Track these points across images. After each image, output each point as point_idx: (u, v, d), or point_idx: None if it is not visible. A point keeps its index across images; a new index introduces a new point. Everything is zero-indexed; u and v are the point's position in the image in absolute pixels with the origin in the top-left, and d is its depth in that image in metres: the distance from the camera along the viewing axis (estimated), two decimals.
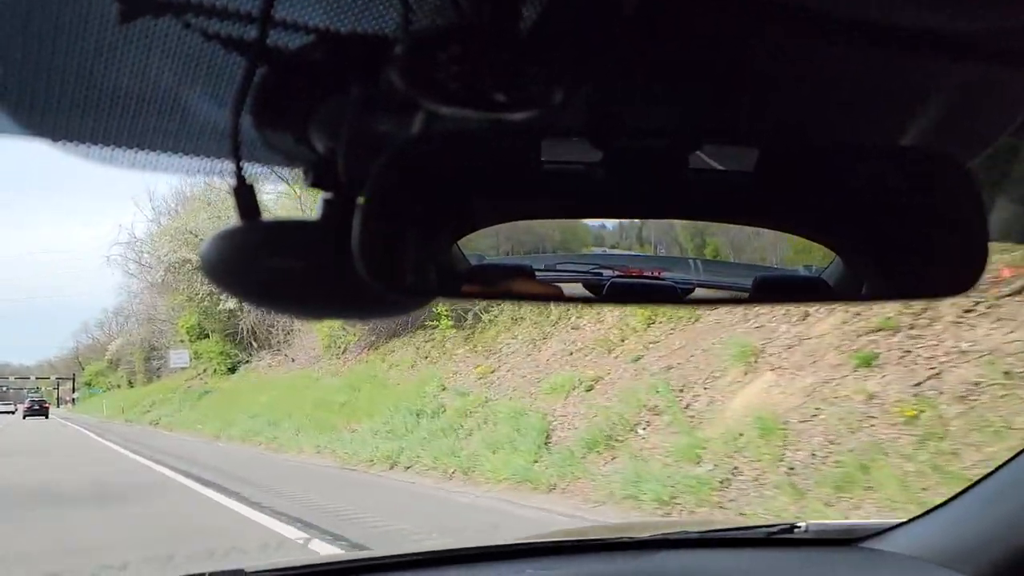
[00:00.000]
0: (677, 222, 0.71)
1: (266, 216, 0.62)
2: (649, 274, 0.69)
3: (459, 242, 0.65)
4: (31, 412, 52.77)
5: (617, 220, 0.70)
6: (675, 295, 0.70)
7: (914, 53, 0.64)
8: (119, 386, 61.25)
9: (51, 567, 5.71)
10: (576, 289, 0.69)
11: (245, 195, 0.62)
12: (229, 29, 0.59)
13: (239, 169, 0.62)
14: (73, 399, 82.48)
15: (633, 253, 0.69)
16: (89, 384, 76.27)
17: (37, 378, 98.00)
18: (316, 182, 0.63)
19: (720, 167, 0.69)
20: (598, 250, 0.69)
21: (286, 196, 18.51)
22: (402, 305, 0.67)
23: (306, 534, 6.66)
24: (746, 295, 0.71)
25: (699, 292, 0.70)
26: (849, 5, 0.61)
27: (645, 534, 1.97)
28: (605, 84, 0.67)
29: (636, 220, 0.70)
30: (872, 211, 0.68)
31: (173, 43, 0.59)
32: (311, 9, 0.59)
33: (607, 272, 0.68)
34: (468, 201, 0.65)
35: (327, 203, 0.62)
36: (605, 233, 0.70)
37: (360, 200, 0.56)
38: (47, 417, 52.56)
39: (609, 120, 0.69)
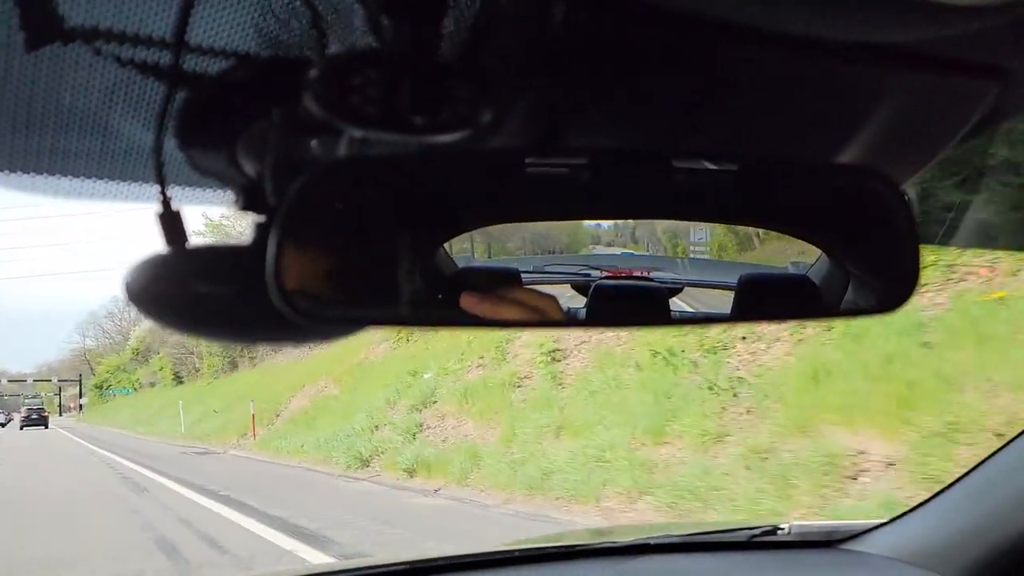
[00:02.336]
0: (664, 222, 0.70)
1: (194, 242, 0.61)
2: (638, 274, 0.68)
3: (444, 245, 0.64)
4: (29, 422, 47.14)
5: (611, 221, 0.70)
6: (665, 314, 0.69)
7: (857, 66, 0.64)
8: (153, 384, 49.94)
9: None
10: (564, 303, 0.67)
11: (171, 220, 0.61)
12: (143, 55, 0.58)
13: (164, 194, 0.61)
14: (80, 405, 69.95)
15: (621, 252, 0.68)
16: (101, 386, 64.26)
17: (35, 381, 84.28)
18: (246, 206, 0.62)
19: (706, 166, 0.68)
20: (601, 250, 0.69)
21: None
22: (337, 329, 0.66)
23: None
24: (727, 315, 0.70)
25: (685, 311, 0.69)
26: (783, 19, 0.60)
27: (627, 539, 1.96)
28: (549, 107, 0.66)
29: (630, 220, 0.70)
30: (821, 228, 0.68)
31: (86, 69, 0.58)
32: (227, 34, 0.57)
33: (595, 273, 0.67)
34: (406, 221, 0.64)
35: (257, 227, 0.61)
36: (601, 232, 0.70)
37: (280, 222, 0.55)
38: (47, 427, 46.40)
39: (552, 141, 0.69)
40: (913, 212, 0.62)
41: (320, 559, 5.92)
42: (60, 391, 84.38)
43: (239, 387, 29.23)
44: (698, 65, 0.64)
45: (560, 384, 10.40)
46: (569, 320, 0.67)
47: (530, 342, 11.52)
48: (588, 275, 0.67)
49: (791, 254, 0.72)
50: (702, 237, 0.71)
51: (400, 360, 16.43)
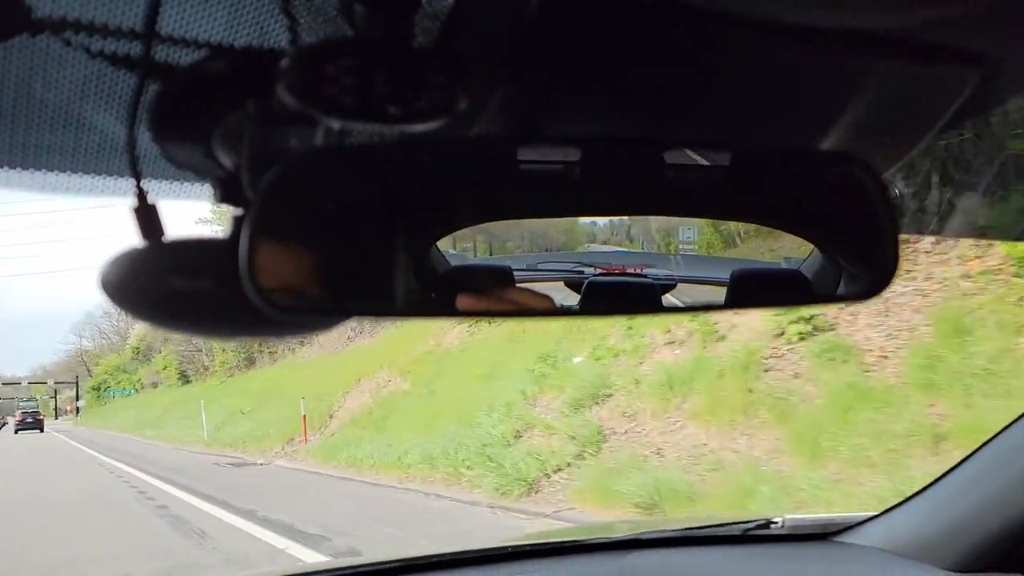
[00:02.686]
0: (657, 221, 0.70)
1: (170, 236, 0.60)
2: (631, 270, 0.68)
3: (436, 244, 0.63)
4: (24, 426, 45.71)
5: (607, 218, 0.70)
6: (656, 301, 0.69)
7: (839, 53, 0.63)
8: (155, 385, 46.37)
9: None
10: (556, 295, 0.67)
11: (147, 214, 0.60)
12: (114, 46, 0.57)
13: (139, 187, 0.60)
14: (77, 408, 66.58)
15: (614, 249, 0.68)
16: (99, 388, 59.81)
17: (30, 383, 79.66)
18: (224, 199, 0.62)
19: (697, 162, 0.69)
20: (599, 248, 0.69)
21: None
22: (314, 324, 0.65)
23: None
24: (720, 302, 0.71)
25: (678, 298, 0.69)
26: (766, 7, 0.60)
27: (622, 534, 1.97)
28: (527, 95, 0.66)
29: (625, 218, 0.70)
30: (803, 215, 0.68)
31: (56, 61, 0.57)
32: (198, 24, 0.57)
33: (588, 270, 0.67)
34: (386, 212, 0.63)
35: (235, 220, 0.60)
36: (596, 230, 0.70)
37: (257, 216, 0.54)
38: (42, 431, 45.22)
39: (537, 130, 0.69)
40: (892, 198, 0.61)
41: None
42: (56, 394, 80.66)
43: (262, 385, 25.39)
44: (680, 52, 0.64)
45: (864, 365, 6.59)
46: (561, 309, 0.67)
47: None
48: (581, 272, 0.67)
49: (773, 251, 0.72)
50: (691, 236, 0.71)
51: (491, 347, 13.28)
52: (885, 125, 0.72)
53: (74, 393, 72.28)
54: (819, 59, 0.65)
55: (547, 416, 9.34)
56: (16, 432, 45.11)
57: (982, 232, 1.14)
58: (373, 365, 17.39)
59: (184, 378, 41.07)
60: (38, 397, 74.37)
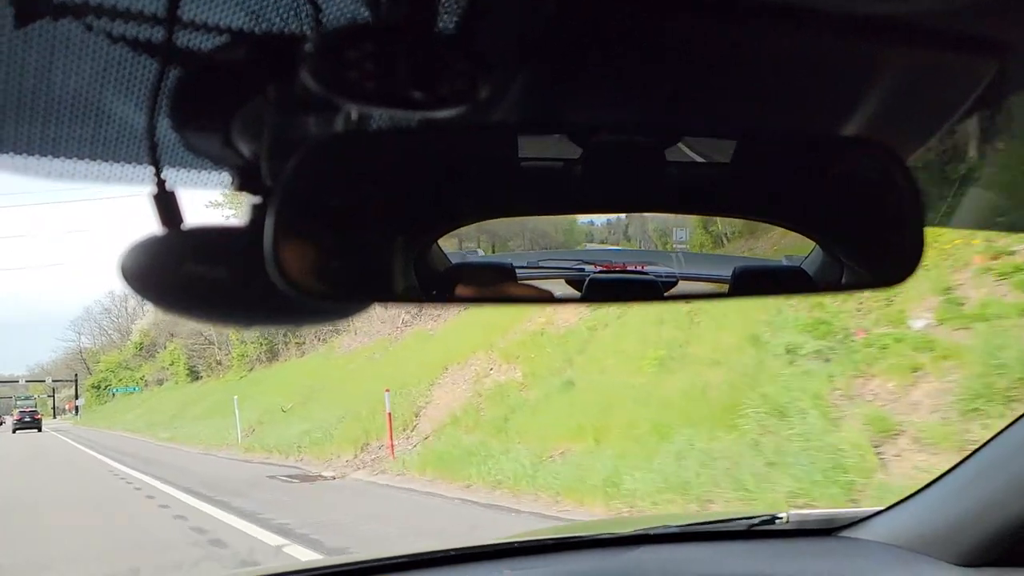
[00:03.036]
0: (654, 221, 0.70)
1: (189, 223, 0.60)
2: (632, 268, 0.68)
3: (436, 240, 0.64)
4: (22, 425, 44.31)
5: (604, 216, 0.70)
6: (657, 290, 0.69)
7: (860, 39, 0.63)
8: (161, 382, 43.64)
9: None
10: (556, 288, 0.68)
11: (166, 202, 0.60)
12: (135, 31, 0.57)
13: (159, 175, 0.60)
14: (76, 407, 63.90)
15: (616, 248, 0.69)
16: (100, 386, 57.74)
17: (28, 381, 75.55)
18: (242, 186, 0.61)
19: (698, 159, 0.69)
20: (595, 247, 0.69)
21: None
22: (335, 311, 0.65)
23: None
24: (725, 289, 0.70)
25: (680, 287, 0.69)
26: None
27: (626, 530, 1.96)
28: (547, 82, 0.66)
29: (622, 216, 0.70)
30: (823, 203, 0.68)
31: (77, 46, 0.57)
32: (220, 9, 0.57)
33: (589, 268, 0.67)
34: (409, 201, 0.63)
35: (253, 208, 0.60)
36: (594, 229, 0.70)
37: (278, 205, 0.54)
38: (40, 430, 43.76)
39: (555, 117, 0.68)
40: (918, 184, 0.61)
41: None
42: (54, 392, 77.94)
43: (295, 379, 21.44)
44: (698, 40, 0.64)
45: None
46: (567, 296, 0.68)
47: None
48: (582, 270, 0.67)
49: (753, 251, 0.72)
50: (683, 236, 0.71)
51: (640, 327, 9.94)
52: (904, 113, 0.72)
53: (72, 391, 69.97)
54: (837, 47, 0.65)
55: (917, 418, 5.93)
56: (14, 431, 44.01)
57: (1007, 225, 1.13)
58: (459, 350, 13.78)
59: (193, 374, 38.19)
60: (36, 396, 72.08)
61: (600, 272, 0.67)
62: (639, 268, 0.68)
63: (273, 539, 6.71)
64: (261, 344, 30.39)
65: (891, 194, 0.63)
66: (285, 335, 27.64)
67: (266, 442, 16.05)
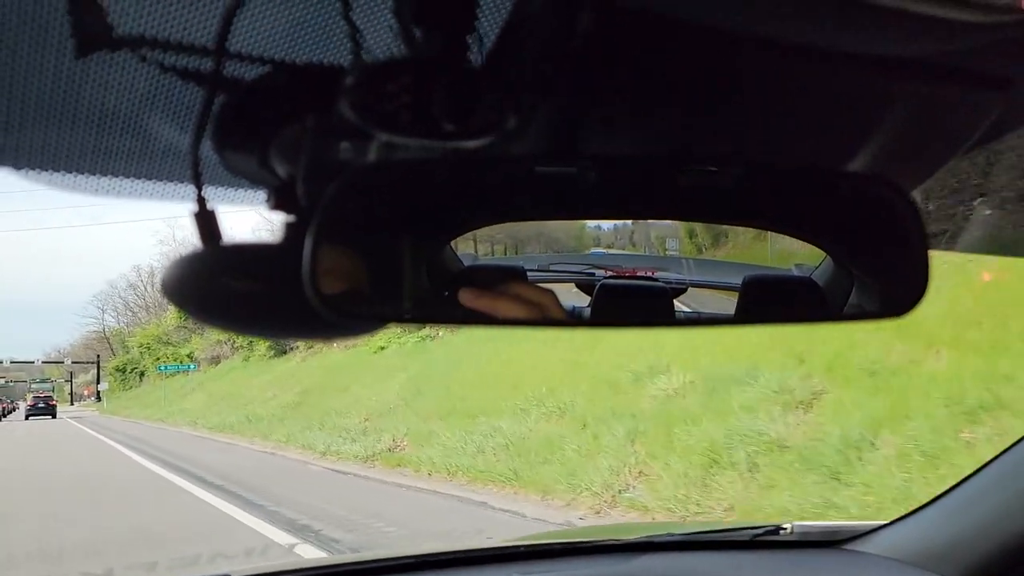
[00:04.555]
0: (656, 228, 0.72)
1: (227, 240, 0.63)
2: (643, 274, 0.69)
3: (451, 243, 0.66)
4: (35, 411, 40.42)
5: (612, 222, 0.71)
6: (669, 315, 0.70)
7: (867, 76, 0.66)
8: (217, 360, 35.63)
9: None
10: (568, 301, 0.68)
11: (206, 219, 0.63)
12: (185, 61, 0.60)
13: (200, 194, 0.63)
14: (98, 392, 55.14)
15: (626, 253, 0.69)
16: (126, 368, 49.63)
17: (44, 363, 68.08)
18: (278, 206, 0.65)
19: (710, 168, 0.69)
20: (599, 251, 0.69)
21: None
22: (364, 326, 0.68)
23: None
24: (733, 316, 0.71)
25: (691, 311, 0.70)
26: (800, 30, 0.62)
27: (631, 537, 1.98)
28: (568, 113, 0.68)
29: (629, 223, 0.71)
30: (829, 235, 0.70)
31: (131, 75, 0.60)
32: (266, 42, 0.60)
33: (599, 272, 0.68)
34: (433, 225, 0.66)
35: (288, 226, 0.63)
36: (601, 234, 0.71)
37: (316, 224, 0.57)
38: (54, 416, 39.76)
39: (574, 148, 0.71)
40: (923, 219, 0.63)
41: None
42: (72, 376, 71.34)
43: (461, 361, 14.62)
44: (712, 74, 0.66)
45: None
46: (576, 320, 0.69)
47: None
48: (592, 274, 0.68)
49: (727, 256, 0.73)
50: (674, 246, 0.72)
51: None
52: (911, 146, 0.74)
53: (92, 376, 62.94)
54: (847, 82, 0.67)
55: None
56: (27, 418, 40.21)
57: (1007, 247, 1.15)
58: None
59: (277, 348, 28.92)
60: (53, 379, 66.23)
61: (611, 277, 0.68)
62: (649, 274, 0.69)
63: None
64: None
65: (895, 226, 0.65)
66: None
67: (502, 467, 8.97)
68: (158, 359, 43.95)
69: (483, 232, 0.67)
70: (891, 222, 0.65)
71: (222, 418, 21.78)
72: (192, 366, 38.64)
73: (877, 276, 0.69)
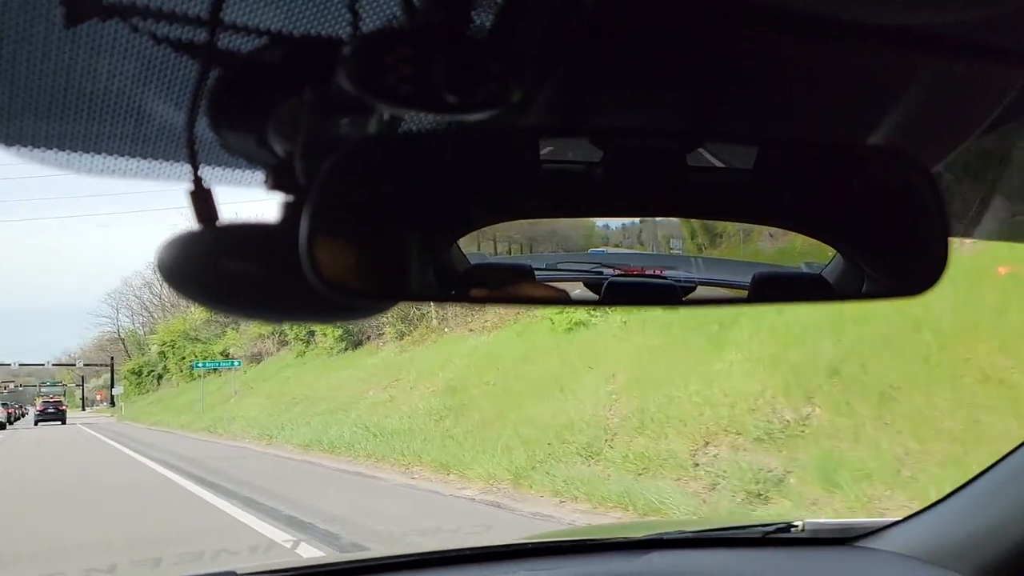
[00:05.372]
0: (664, 228, 0.71)
1: (224, 220, 0.62)
2: (650, 273, 0.69)
3: (458, 241, 0.65)
4: (44, 416, 38.84)
5: (620, 220, 0.70)
6: (675, 295, 0.70)
7: (887, 50, 0.64)
8: (257, 358, 31.15)
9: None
10: (574, 290, 0.68)
11: (203, 199, 0.61)
12: (179, 32, 0.59)
13: (196, 172, 0.62)
14: (112, 397, 52.87)
15: (634, 252, 0.69)
16: (142, 372, 46.23)
17: (55, 364, 64.47)
18: (276, 185, 0.63)
19: (719, 164, 0.69)
20: (599, 250, 0.69)
21: None
22: (366, 308, 0.66)
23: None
24: (744, 295, 0.71)
25: (698, 292, 0.70)
26: (825, 2, 0.60)
27: (640, 534, 1.96)
28: (576, 83, 0.66)
29: (637, 221, 0.70)
30: (847, 212, 0.68)
31: (123, 46, 0.59)
32: (261, 12, 0.58)
33: (607, 271, 0.68)
34: (440, 201, 0.64)
35: (286, 206, 0.62)
36: (609, 233, 0.70)
37: (312, 204, 0.56)
38: (64, 422, 37.82)
39: (584, 120, 0.69)
40: (943, 194, 0.62)
41: None
42: (83, 381, 67.59)
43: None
44: (728, 45, 0.64)
45: None
46: (586, 298, 0.69)
47: None
48: (600, 273, 0.68)
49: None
50: (678, 246, 0.71)
51: None
52: (931, 123, 0.72)
53: (104, 380, 60.19)
54: (867, 56, 0.65)
55: None
56: (36, 423, 38.64)
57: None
58: None
59: (350, 339, 24.00)
60: (64, 383, 63.29)
61: (618, 276, 0.68)
62: (657, 272, 0.69)
63: None
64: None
65: (915, 203, 0.64)
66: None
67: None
68: (183, 358, 38.92)
69: (491, 230, 0.67)
70: (910, 197, 0.63)
71: (330, 431, 14.62)
72: (237, 362, 32.19)
73: (895, 253, 0.67)
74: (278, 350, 30.88)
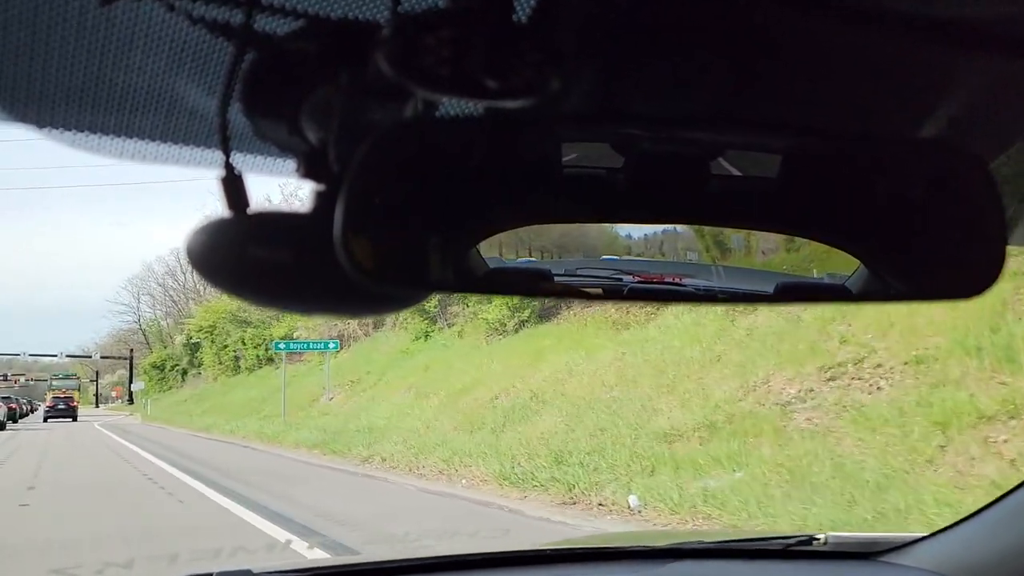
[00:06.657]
0: (685, 236, 0.70)
1: (255, 207, 0.61)
2: (670, 279, 0.68)
3: (479, 244, 0.64)
4: (55, 412, 37.00)
5: (642, 229, 0.69)
6: (695, 295, 0.69)
7: (937, 43, 0.62)
8: (337, 346, 22.74)
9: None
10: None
11: (234, 186, 0.60)
12: (215, 13, 0.58)
13: (228, 159, 0.61)
14: (130, 394, 49.12)
15: (654, 260, 0.68)
16: (163, 367, 42.02)
17: (69, 356, 57.62)
18: (308, 173, 0.62)
19: (740, 173, 0.68)
20: (609, 257, 0.68)
21: None
22: (397, 300, 0.65)
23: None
24: (768, 293, 0.69)
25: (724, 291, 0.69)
26: None
27: (661, 543, 1.94)
28: (611, 71, 0.65)
29: (659, 230, 0.70)
30: (893, 209, 0.66)
31: (158, 27, 0.58)
32: None
33: (627, 278, 0.67)
34: (470, 195, 0.63)
35: (318, 195, 0.61)
36: (632, 243, 0.70)
37: (347, 192, 0.55)
38: (75, 419, 35.84)
39: (617, 110, 0.68)
40: (998, 189, 0.59)
41: None
42: (97, 375, 63.54)
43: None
44: (768, 38, 0.63)
45: None
46: (612, 293, 0.68)
47: None
48: (620, 279, 0.67)
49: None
50: (694, 259, 0.70)
51: None
52: (981, 120, 0.70)
53: (119, 376, 56.06)
54: (915, 50, 0.63)
55: None
56: (45, 420, 36.80)
57: None
58: None
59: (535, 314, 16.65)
60: (78, 377, 54.85)
61: (638, 282, 0.67)
62: (676, 280, 0.68)
63: None
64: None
65: (970, 200, 0.62)
66: None
67: None
68: (224, 347, 33.17)
69: (515, 234, 0.66)
70: (964, 192, 0.61)
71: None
72: (334, 344, 23.26)
73: (948, 253, 0.64)
74: (369, 333, 24.40)
